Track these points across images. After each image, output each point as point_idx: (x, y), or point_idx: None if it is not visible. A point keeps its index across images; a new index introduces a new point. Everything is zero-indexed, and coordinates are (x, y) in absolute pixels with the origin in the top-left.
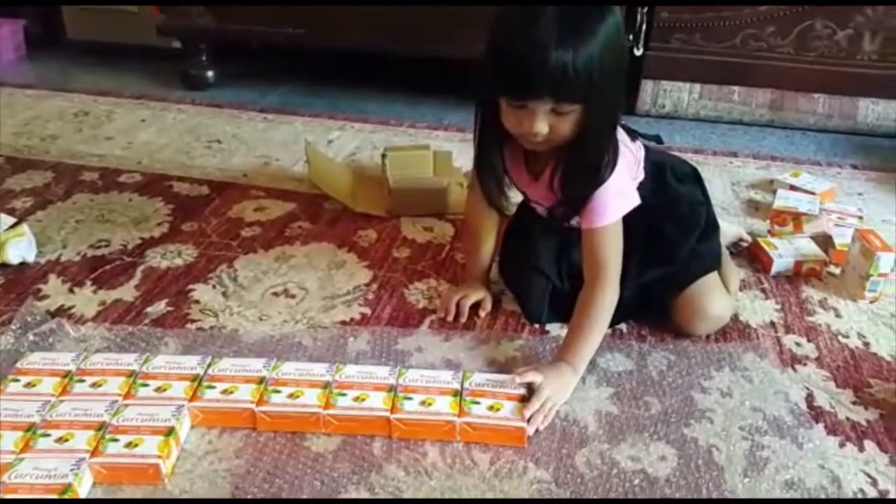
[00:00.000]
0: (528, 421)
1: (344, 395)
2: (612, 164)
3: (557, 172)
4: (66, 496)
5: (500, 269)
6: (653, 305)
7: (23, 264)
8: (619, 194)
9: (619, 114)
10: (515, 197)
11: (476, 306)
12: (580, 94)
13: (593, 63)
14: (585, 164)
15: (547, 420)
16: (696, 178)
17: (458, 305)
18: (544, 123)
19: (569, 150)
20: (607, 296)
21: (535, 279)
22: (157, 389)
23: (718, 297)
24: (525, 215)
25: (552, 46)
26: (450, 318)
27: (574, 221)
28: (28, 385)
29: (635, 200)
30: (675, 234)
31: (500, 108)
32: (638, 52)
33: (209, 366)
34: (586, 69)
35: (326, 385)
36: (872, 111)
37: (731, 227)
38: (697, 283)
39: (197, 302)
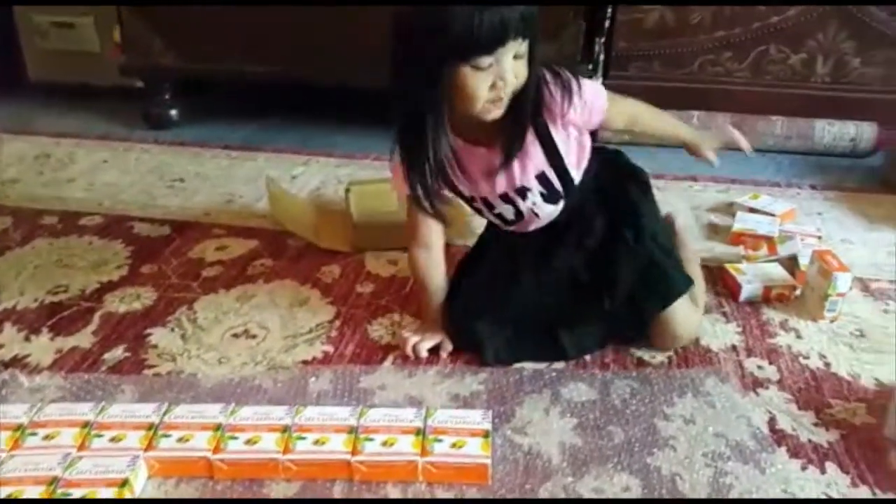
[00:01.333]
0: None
1: (303, 438)
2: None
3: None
4: None
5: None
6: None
7: None
8: (595, 89)
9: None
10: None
11: (436, 349)
12: (532, 28)
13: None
14: (531, 95)
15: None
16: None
17: (414, 349)
18: (511, 71)
19: (519, 98)
20: (647, 106)
21: (471, 321)
22: (113, 440)
23: (688, 314)
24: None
25: None
26: (411, 357)
27: (539, 210)
28: None
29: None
30: (637, 194)
31: (458, 89)
32: (597, 82)
33: (165, 413)
34: (530, 8)
35: (285, 429)
36: (828, 132)
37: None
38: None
39: (155, 346)
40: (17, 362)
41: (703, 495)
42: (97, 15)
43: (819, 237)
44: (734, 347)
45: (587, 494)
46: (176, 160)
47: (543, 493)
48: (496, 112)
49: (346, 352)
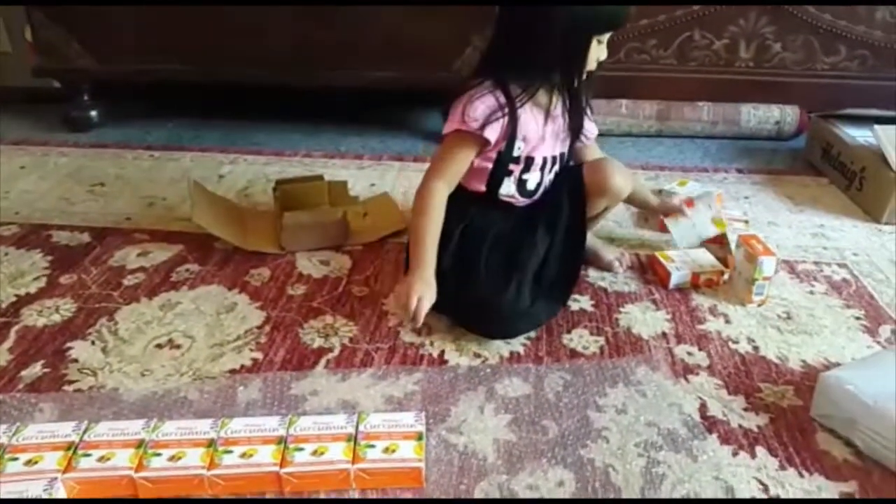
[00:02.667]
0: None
1: (230, 452)
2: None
3: (565, 100)
4: None
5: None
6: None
7: None
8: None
9: None
10: None
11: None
12: None
13: None
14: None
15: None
16: None
17: (417, 309)
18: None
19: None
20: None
21: (498, 291)
22: (28, 462)
23: (619, 167)
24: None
25: None
26: (410, 323)
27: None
28: None
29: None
30: None
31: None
32: None
33: (85, 432)
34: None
35: (211, 443)
36: (754, 115)
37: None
38: (591, 160)
39: (75, 361)
40: None
41: (636, 487)
42: (5, 14)
43: (746, 221)
44: (664, 335)
45: (521, 492)
46: (96, 163)
47: (478, 493)
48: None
49: (277, 358)
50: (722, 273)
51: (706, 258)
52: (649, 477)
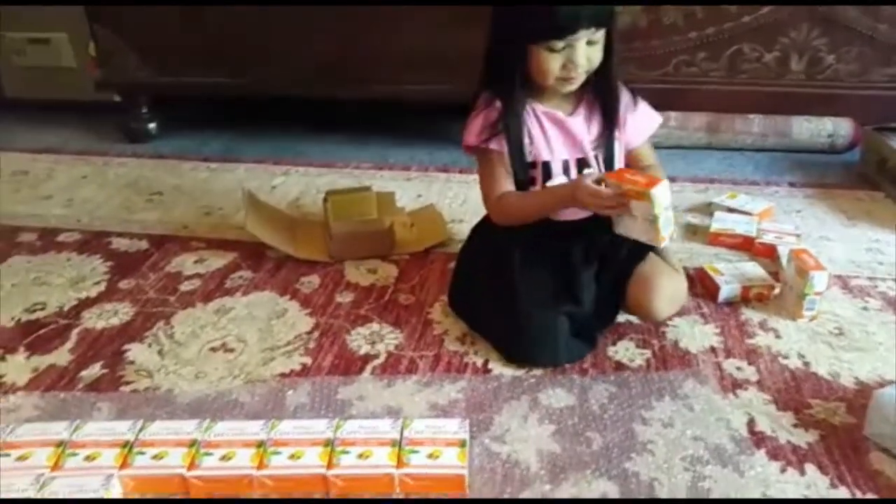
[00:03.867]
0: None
1: (279, 453)
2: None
3: (590, 101)
4: None
5: (475, 313)
6: (609, 306)
7: None
8: (649, 115)
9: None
10: None
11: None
12: (608, 17)
13: None
14: (613, 82)
15: None
16: None
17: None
18: (583, 55)
19: (597, 76)
20: (663, 174)
21: (553, 316)
22: (87, 458)
23: (668, 273)
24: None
25: None
26: (605, 196)
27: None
28: None
29: (658, 119)
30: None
31: (533, 67)
32: None
33: (140, 430)
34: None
35: (261, 444)
36: (806, 128)
37: None
38: (643, 265)
39: (132, 363)
40: None
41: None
42: (71, 31)
43: (797, 235)
44: (713, 349)
45: None
46: (154, 173)
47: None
48: (569, 87)
49: (325, 363)
50: (772, 287)
51: (756, 272)
52: (695, 491)
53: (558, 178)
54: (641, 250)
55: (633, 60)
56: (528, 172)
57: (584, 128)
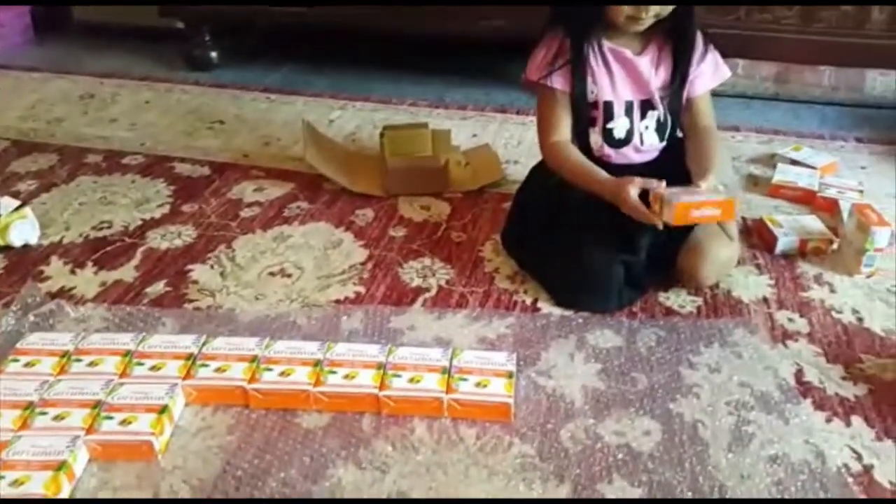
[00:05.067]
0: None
1: (334, 372)
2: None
3: (661, 42)
4: (61, 472)
5: (533, 258)
6: (660, 262)
7: (26, 246)
8: (716, 65)
9: None
10: None
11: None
12: None
13: None
14: (689, 29)
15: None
16: None
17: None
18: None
19: (668, 21)
20: (716, 143)
21: (610, 262)
22: (153, 368)
23: (723, 241)
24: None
25: None
26: (643, 213)
27: (646, 138)
28: (27, 365)
29: (727, 72)
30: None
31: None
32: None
33: (203, 345)
34: None
35: (317, 363)
36: (880, 83)
37: None
38: (699, 230)
39: (195, 282)
40: (63, 293)
41: (723, 443)
42: None
43: (860, 191)
44: (765, 299)
45: (607, 436)
46: (216, 102)
47: (564, 434)
48: (636, 27)
49: (378, 293)
50: (831, 242)
51: (815, 225)
52: (738, 434)
53: (619, 120)
54: None
55: (704, 3)
56: (589, 112)
57: (651, 69)
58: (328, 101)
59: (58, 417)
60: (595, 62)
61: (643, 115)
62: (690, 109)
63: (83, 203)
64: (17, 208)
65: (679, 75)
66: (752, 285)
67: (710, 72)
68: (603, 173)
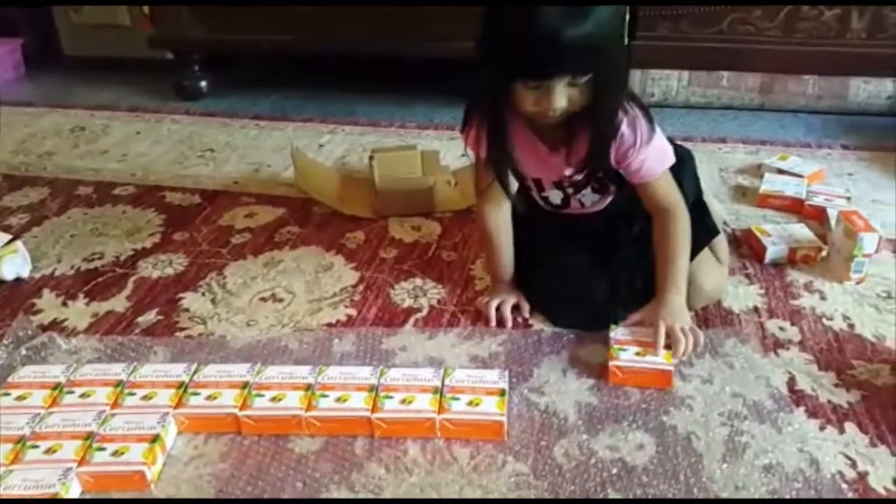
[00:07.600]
0: (674, 354)
1: (326, 396)
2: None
3: (577, 136)
4: None
5: (535, 296)
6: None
7: (17, 280)
8: (661, 152)
9: (625, 75)
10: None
11: (515, 309)
12: (592, 63)
13: (602, 31)
14: (603, 126)
15: (694, 342)
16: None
17: (499, 312)
18: (563, 98)
19: (586, 115)
20: (681, 223)
21: (594, 285)
22: (144, 398)
23: (712, 269)
24: (538, 229)
25: (564, 26)
26: (493, 324)
27: (586, 200)
28: (19, 398)
29: (672, 158)
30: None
31: (512, 94)
32: (624, 42)
33: (195, 373)
34: (597, 39)
35: (309, 387)
36: (863, 90)
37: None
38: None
39: (186, 310)
40: (55, 326)
41: (717, 454)
42: None
43: (848, 198)
44: (756, 309)
45: (601, 451)
46: (206, 130)
47: (558, 450)
48: (552, 120)
49: (369, 315)
50: (820, 249)
51: (804, 234)
52: (732, 445)
53: (552, 191)
54: None
55: (687, 17)
56: (523, 180)
57: (563, 163)
58: (317, 126)
59: (49, 450)
60: (517, 144)
61: (576, 191)
62: (646, 192)
63: (74, 235)
64: (8, 242)
65: (593, 163)
66: (742, 295)
67: (655, 157)
68: (499, 263)
